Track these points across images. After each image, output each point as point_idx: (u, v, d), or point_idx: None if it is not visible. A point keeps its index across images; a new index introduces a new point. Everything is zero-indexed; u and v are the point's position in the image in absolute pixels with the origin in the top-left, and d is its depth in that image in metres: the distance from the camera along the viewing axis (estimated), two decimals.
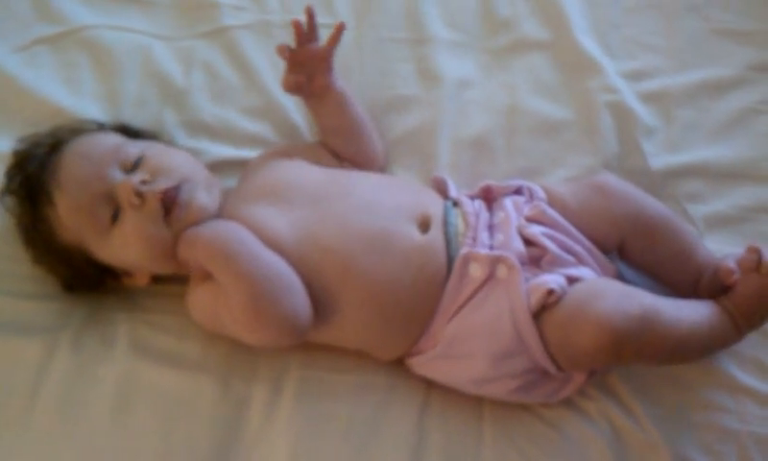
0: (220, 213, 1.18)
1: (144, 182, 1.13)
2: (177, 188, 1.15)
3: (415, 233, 1.16)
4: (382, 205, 1.18)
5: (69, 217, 1.15)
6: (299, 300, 1.10)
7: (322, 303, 1.12)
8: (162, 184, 1.14)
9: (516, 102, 1.41)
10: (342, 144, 1.32)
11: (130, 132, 1.29)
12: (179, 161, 1.19)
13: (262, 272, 1.08)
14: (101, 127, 1.28)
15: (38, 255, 1.22)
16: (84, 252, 1.18)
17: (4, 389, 1.15)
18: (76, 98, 1.40)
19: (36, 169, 1.17)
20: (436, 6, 1.50)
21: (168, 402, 1.15)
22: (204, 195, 1.17)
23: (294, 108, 1.39)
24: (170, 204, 1.14)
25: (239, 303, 1.08)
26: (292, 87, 1.25)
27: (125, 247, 1.15)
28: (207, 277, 1.13)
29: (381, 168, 1.34)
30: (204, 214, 1.16)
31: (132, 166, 1.16)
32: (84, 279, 1.22)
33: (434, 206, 1.21)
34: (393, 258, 1.13)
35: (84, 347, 1.19)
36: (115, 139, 1.21)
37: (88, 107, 1.39)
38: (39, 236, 1.19)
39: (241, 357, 1.17)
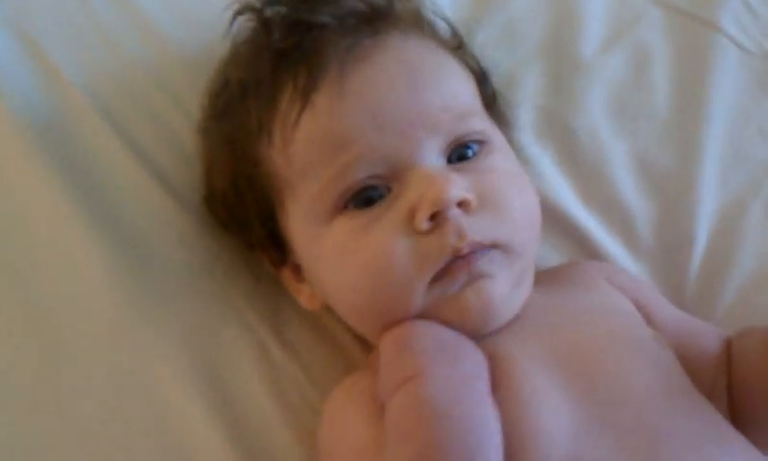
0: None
1: (464, 206, 0.66)
2: (489, 250, 0.67)
3: None
4: None
5: (305, 150, 0.69)
6: None
7: None
8: (482, 232, 0.66)
9: None
10: None
11: (486, 86, 0.80)
12: (524, 206, 0.71)
13: None
14: (455, 37, 0.81)
15: (212, 146, 0.78)
16: (272, 208, 0.74)
17: None
18: None
19: (295, 43, 0.70)
20: None
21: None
22: (509, 287, 0.69)
23: None
24: (461, 266, 0.66)
25: None
26: None
27: (340, 257, 0.69)
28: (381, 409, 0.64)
29: None
30: (485, 320, 0.68)
31: (456, 152, 0.70)
32: (242, 227, 0.78)
33: None
34: None
35: None
36: (468, 93, 0.75)
37: None
38: (241, 132, 0.73)
39: None
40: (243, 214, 0.76)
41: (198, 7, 0.84)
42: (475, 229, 0.65)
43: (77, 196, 0.78)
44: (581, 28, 0.91)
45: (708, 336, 0.77)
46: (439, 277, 0.66)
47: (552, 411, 0.63)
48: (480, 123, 0.72)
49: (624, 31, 0.92)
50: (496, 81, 0.85)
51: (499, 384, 0.63)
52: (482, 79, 0.80)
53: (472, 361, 0.63)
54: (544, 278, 0.77)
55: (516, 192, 0.70)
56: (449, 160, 0.69)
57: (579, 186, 0.86)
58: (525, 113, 0.87)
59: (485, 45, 0.87)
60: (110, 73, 0.83)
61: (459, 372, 0.62)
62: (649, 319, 0.75)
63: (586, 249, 0.84)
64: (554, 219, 0.84)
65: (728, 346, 0.76)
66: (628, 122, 0.88)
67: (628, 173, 0.86)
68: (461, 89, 0.73)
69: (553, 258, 0.84)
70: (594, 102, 0.88)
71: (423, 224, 0.64)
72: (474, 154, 0.70)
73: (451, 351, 0.64)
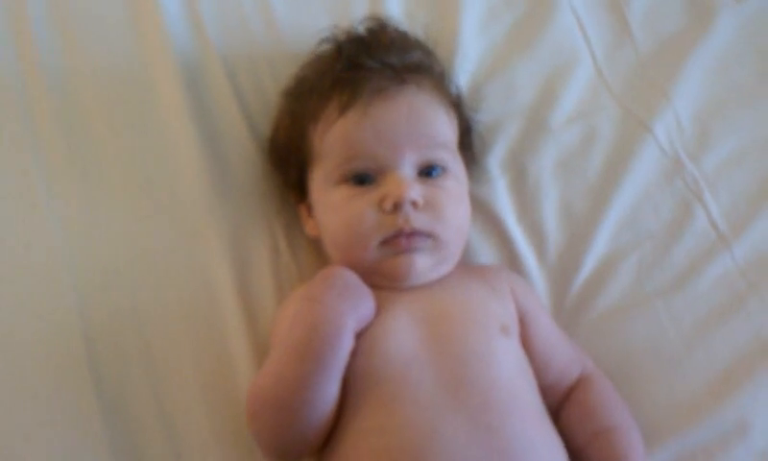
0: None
1: (414, 204, 0.96)
2: (422, 235, 0.97)
3: None
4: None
5: (334, 141, 0.99)
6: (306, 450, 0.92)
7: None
8: (420, 222, 0.96)
9: None
10: None
11: (468, 137, 1.11)
12: (459, 221, 1.01)
13: (305, 398, 0.88)
14: (458, 97, 1.12)
15: (284, 112, 1.09)
16: (305, 164, 1.05)
17: None
18: None
19: (349, 76, 1.00)
20: None
21: None
22: (429, 264, 0.99)
23: None
24: (403, 241, 0.96)
25: (259, 385, 0.92)
26: None
27: (334, 210, 0.99)
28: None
29: None
30: (406, 278, 0.98)
31: (425, 169, 0.99)
32: (284, 169, 1.09)
33: None
34: None
35: None
36: (448, 135, 1.03)
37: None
38: (302, 113, 1.05)
39: None
40: (287, 161, 1.07)
41: (313, 22, 1.14)
42: (417, 219, 0.95)
43: (196, 117, 1.10)
44: (558, 102, 1.18)
45: (567, 362, 1.03)
46: (387, 242, 0.96)
47: (400, 338, 0.92)
48: (447, 156, 1.01)
49: (586, 114, 1.18)
50: (487, 122, 1.14)
51: (376, 317, 0.94)
52: (466, 131, 1.10)
53: (356, 302, 0.92)
54: (469, 269, 1.05)
55: (454, 207, 0.99)
56: (419, 173, 0.98)
57: (517, 209, 1.14)
58: (499, 149, 1.16)
59: (489, 95, 1.17)
60: (239, 45, 1.16)
61: (341, 305, 0.91)
62: (526, 325, 1.01)
63: (509, 252, 1.12)
64: (494, 227, 1.13)
65: (576, 384, 1.03)
66: (565, 176, 1.15)
67: (553, 210, 1.13)
68: (443, 130, 1.01)
69: (486, 252, 1.12)
70: (547, 156, 1.16)
71: (387, 207, 0.95)
72: (437, 175, 0.99)
73: (347, 292, 0.93)
